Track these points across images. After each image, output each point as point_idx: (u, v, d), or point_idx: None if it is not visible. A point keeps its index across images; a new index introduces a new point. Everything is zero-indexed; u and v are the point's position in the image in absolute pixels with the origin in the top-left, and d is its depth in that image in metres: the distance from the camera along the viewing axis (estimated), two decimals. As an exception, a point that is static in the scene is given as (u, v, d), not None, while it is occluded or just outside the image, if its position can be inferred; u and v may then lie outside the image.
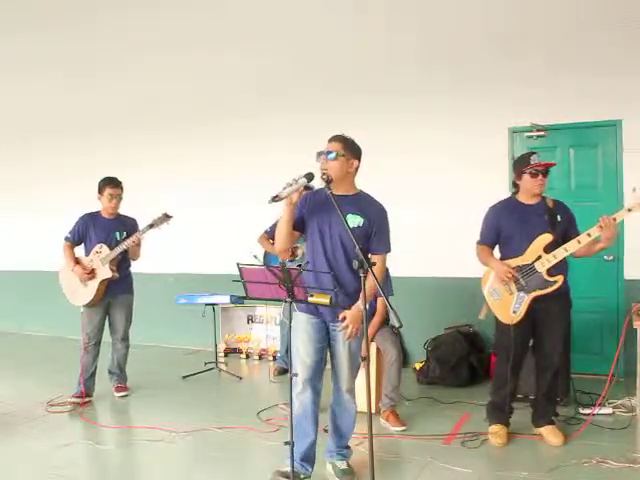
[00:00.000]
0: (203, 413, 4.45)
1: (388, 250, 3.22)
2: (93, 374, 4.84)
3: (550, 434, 3.70)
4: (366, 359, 2.82)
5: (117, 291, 4.85)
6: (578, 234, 3.54)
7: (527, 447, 3.68)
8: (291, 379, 2.89)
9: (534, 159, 3.61)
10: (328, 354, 3.24)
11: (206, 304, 5.64)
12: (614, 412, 4.16)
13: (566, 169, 5.25)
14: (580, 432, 3.81)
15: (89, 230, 4.82)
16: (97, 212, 4.90)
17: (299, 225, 3.12)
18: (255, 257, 5.28)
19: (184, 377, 5.48)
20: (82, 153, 7.18)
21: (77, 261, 4.79)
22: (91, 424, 4.33)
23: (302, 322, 3.12)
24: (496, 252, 3.84)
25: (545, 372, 3.74)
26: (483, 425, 3.95)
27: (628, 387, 4.39)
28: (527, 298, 3.59)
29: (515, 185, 3.77)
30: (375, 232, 3.12)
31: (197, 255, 6.71)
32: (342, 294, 2.99)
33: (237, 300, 5.52)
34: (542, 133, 5.24)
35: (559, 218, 3.62)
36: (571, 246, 3.51)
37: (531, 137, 5.30)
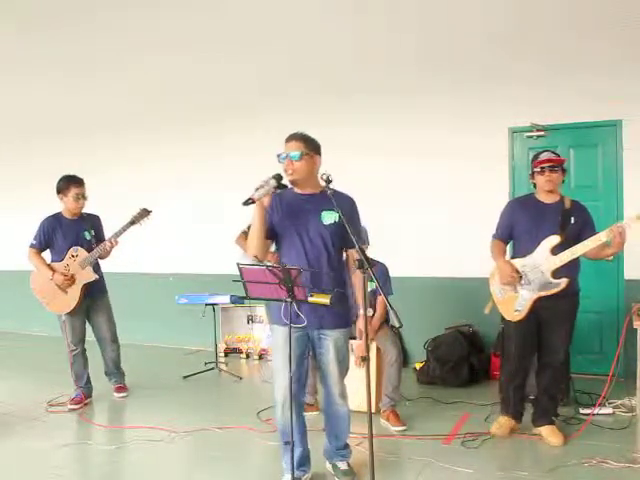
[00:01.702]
0: (203, 413, 4.44)
1: (366, 243, 3.14)
2: (88, 379, 4.81)
3: (550, 434, 3.70)
4: (366, 359, 2.81)
5: (96, 295, 4.74)
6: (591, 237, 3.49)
7: (527, 447, 3.68)
8: (291, 378, 2.88)
9: (544, 155, 3.59)
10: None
11: (206, 304, 5.63)
12: (614, 412, 4.16)
13: (566, 169, 5.24)
14: (580, 432, 3.81)
15: (55, 233, 4.65)
16: (59, 214, 4.74)
17: (272, 233, 3.05)
18: (256, 256, 5.26)
19: (184, 377, 5.48)
20: (82, 153, 7.17)
21: (51, 268, 4.62)
22: (90, 424, 4.33)
23: (282, 336, 2.98)
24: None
25: (547, 369, 3.74)
26: (483, 425, 3.96)
27: (628, 387, 4.39)
28: (531, 298, 3.59)
29: (534, 184, 3.74)
30: (348, 225, 2.88)
31: (197, 255, 6.71)
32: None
33: (237, 300, 5.51)
34: (542, 133, 5.24)
35: (573, 220, 3.57)
36: (578, 249, 3.47)
37: (531, 137, 5.30)
